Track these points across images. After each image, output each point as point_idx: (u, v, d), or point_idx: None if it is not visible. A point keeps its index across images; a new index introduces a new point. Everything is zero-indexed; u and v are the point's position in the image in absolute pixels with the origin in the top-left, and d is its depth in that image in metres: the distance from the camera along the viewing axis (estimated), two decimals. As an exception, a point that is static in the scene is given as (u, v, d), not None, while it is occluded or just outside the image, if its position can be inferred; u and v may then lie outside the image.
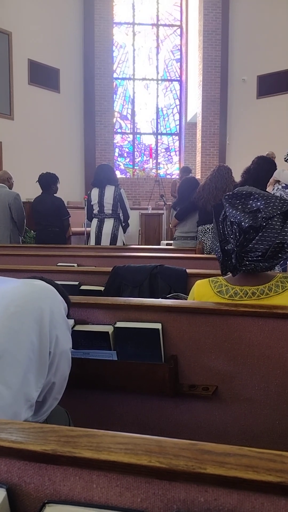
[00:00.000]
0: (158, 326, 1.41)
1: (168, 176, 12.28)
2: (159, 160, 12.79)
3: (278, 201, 1.39)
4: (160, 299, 1.68)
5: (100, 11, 10.52)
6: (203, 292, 1.50)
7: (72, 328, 1.43)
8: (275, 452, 0.52)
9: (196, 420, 1.48)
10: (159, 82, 12.48)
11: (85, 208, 4.91)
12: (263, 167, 3.10)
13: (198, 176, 10.14)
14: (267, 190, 2.70)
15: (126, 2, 12.01)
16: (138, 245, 7.49)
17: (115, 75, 11.76)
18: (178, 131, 12.74)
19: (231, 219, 1.40)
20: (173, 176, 11.90)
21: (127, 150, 12.61)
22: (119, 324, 1.44)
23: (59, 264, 2.94)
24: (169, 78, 12.58)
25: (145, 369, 1.42)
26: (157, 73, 12.43)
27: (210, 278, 1.53)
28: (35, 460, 0.56)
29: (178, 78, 12.57)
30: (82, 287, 2.36)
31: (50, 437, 0.57)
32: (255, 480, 0.49)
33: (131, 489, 0.53)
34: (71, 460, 0.54)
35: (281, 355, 1.36)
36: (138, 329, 1.41)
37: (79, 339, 1.43)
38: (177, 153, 12.82)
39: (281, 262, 2.45)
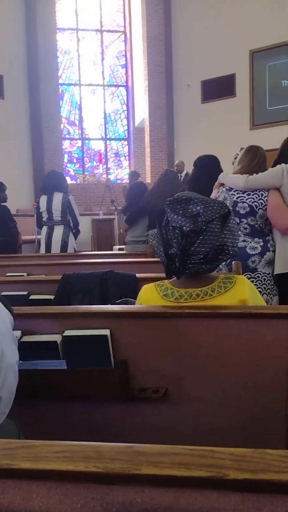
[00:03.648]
0: (106, 332, 1.42)
1: (119, 181, 12.33)
2: (109, 165, 12.82)
3: (216, 205, 1.45)
4: (108, 305, 1.70)
5: (42, 17, 10.41)
6: (150, 296, 1.53)
7: (19, 339, 1.41)
8: (206, 448, 0.55)
9: (148, 423, 1.50)
10: (106, 87, 12.52)
11: (35, 215, 4.85)
12: (201, 172, 3.21)
13: (148, 180, 10.25)
14: (212, 192, 2.77)
15: (69, 8, 11.97)
16: (91, 251, 7.46)
17: (60, 81, 11.68)
18: (126, 136, 12.83)
19: (173, 224, 1.44)
20: (124, 181, 11.96)
21: (76, 156, 12.55)
22: (68, 333, 1.44)
23: (8, 274, 2.89)
24: (115, 83, 12.66)
25: (95, 376, 1.43)
26: (103, 78, 12.47)
27: (156, 282, 1.56)
28: (-27, 475, 0.56)
29: (124, 84, 12.66)
30: (32, 297, 2.33)
31: (-12, 451, 0.58)
32: (187, 477, 0.51)
33: (70, 496, 0.54)
34: (9, 472, 0.54)
35: (225, 353, 1.41)
36: (86, 336, 1.41)
37: (27, 350, 1.41)
38: (127, 157, 12.90)
39: (228, 262, 2.53)
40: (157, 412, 1.49)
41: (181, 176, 7.97)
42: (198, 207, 1.43)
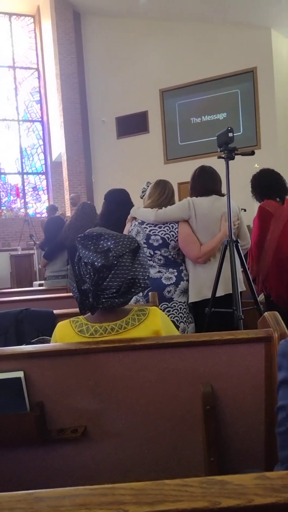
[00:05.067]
0: (20, 374, 1.38)
1: (38, 215, 12.18)
2: (27, 200, 12.64)
3: (126, 239, 1.49)
4: (21, 346, 1.65)
5: None
6: (65, 333, 1.52)
7: None
8: (107, 486, 0.55)
9: (68, 465, 1.46)
10: (21, 122, 12.46)
11: None
12: (112, 206, 3.31)
13: (68, 214, 10.22)
14: (126, 226, 2.85)
15: (-20, 44, 11.90)
16: (10, 288, 7.21)
17: (-28, 115, 11.45)
18: (44, 170, 12.78)
19: (85, 260, 1.46)
20: (43, 215, 11.83)
21: (-8, 190, 12.24)
22: (-22, 378, 1.37)
23: None
24: (30, 119, 12.65)
25: (9, 422, 1.37)
26: (18, 113, 12.42)
27: (71, 319, 1.56)
28: None
29: (40, 119, 12.70)
30: None
31: None
32: (88, 518, 0.52)
33: None
34: None
35: (142, 385, 1.43)
36: (-2, 380, 1.36)
37: None
38: (45, 191, 12.82)
39: (145, 293, 2.59)
40: (76, 453, 1.45)
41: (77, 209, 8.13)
42: (109, 242, 1.47)
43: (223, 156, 2.53)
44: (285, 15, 8.50)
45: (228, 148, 2.49)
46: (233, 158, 2.52)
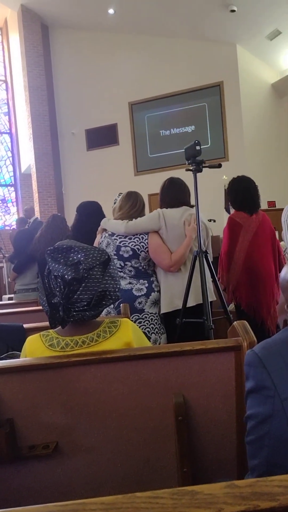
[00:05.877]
0: (-12, 391, 1.35)
1: (8, 228, 12.01)
2: (-4, 212, 12.46)
3: (97, 252, 1.49)
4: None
5: None
6: (35, 348, 1.50)
7: None
8: (77, 501, 0.55)
9: (40, 482, 1.43)
10: (-11, 134, 12.33)
11: None
12: (84, 218, 3.31)
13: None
14: (96, 238, 2.84)
15: None
16: (-21, 302, 7.05)
17: None
18: (13, 182, 12.64)
19: (55, 273, 1.45)
20: (12, 227, 11.67)
21: None
22: None
23: None
24: (-2, 130, 12.53)
25: (-22, 440, 1.33)
26: (-14, 125, 12.29)
27: (41, 333, 1.54)
28: None
29: (8, 131, 12.59)
30: None
31: None
32: (58, 535, 0.51)
33: None
34: None
35: (115, 398, 1.42)
36: None
37: None
38: (15, 203, 12.67)
39: (116, 304, 2.58)
40: (48, 469, 1.43)
41: (29, 221, 8.15)
42: (79, 255, 1.46)
43: (191, 168, 2.57)
44: (250, 32, 8.77)
45: (195, 161, 2.54)
46: (200, 171, 2.57)
